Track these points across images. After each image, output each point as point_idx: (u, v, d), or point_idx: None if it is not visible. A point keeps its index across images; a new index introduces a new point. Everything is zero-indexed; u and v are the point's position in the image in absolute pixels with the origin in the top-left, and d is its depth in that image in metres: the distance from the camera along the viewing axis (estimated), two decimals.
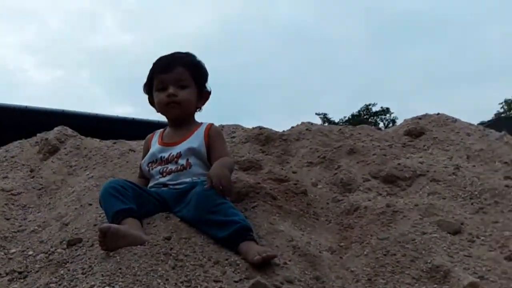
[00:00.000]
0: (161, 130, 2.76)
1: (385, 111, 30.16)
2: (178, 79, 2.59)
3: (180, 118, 2.66)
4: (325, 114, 29.50)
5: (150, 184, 2.57)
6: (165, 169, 2.53)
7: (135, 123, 12.81)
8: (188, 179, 2.46)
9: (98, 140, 3.66)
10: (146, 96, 2.76)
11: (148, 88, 2.72)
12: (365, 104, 30.81)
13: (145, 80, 2.74)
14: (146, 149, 2.72)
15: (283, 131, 3.74)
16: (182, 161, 2.51)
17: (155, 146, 2.64)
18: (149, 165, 2.60)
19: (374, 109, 30.58)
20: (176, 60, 2.65)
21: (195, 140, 2.57)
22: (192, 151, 2.53)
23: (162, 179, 2.51)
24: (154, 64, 2.68)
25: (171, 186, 2.48)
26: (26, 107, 12.25)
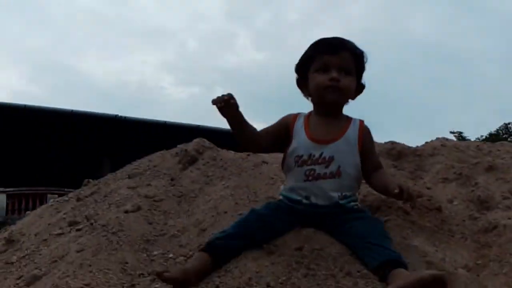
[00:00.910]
0: (305, 115, 2.50)
1: None
2: (343, 64, 2.37)
3: (335, 105, 2.44)
4: (460, 133, 28.30)
5: (290, 183, 2.40)
6: (312, 172, 2.31)
7: None
8: (335, 194, 2.30)
9: (233, 152, 3.79)
10: (296, 77, 2.55)
11: (303, 68, 2.49)
12: (504, 123, 29.25)
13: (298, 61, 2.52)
14: (284, 127, 2.47)
15: (417, 146, 3.67)
16: (333, 168, 2.30)
17: (302, 137, 2.39)
18: (296, 158, 2.35)
19: None
20: (343, 44, 2.43)
21: (349, 142, 2.37)
22: (345, 157, 2.34)
23: (306, 185, 2.32)
24: (318, 44, 2.46)
25: (312, 200, 2.31)
26: (165, 122, 12.91)
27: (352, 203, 2.36)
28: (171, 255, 2.49)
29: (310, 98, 2.52)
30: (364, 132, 2.43)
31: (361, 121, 2.46)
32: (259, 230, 2.25)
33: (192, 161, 3.56)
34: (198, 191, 3.20)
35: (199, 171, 3.44)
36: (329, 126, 2.41)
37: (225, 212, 2.74)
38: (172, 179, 3.37)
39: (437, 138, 3.75)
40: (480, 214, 2.71)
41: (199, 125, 12.75)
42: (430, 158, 3.41)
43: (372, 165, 2.43)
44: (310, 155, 2.32)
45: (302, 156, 2.33)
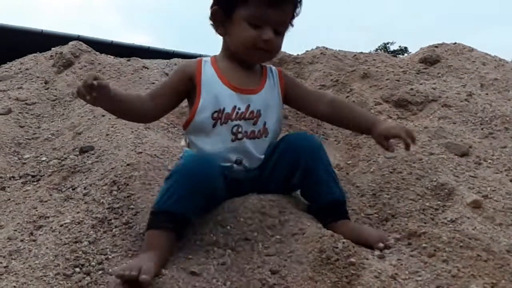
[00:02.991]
0: (208, 61, 1.90)
1: (403, 50, 29.71)
2: (281, 21, 1.82)
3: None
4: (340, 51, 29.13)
5: (209, 147, 1.80)
6: (239, 129, 1.80)
7: (151, 52, 12.77)
8: (262, 156, 1.85)
9: (112, 57, 3.66)
10: (213, 7, 1.85)
11: (228, 2, 1.81)
12: (383, 43, 30.42)
13: None
14: (186, 80, 1.84)
15: (297, 54, 3.72)
16: (260, 125, 1.83)
17: (219, 86, 1.82)
18: (216, 114, 1.79)
19: (392, 48, 30.18)
20: None
21: (272, 92, 1.90)
22: (271, 111, 1.87)
23: (235, 146, 1.80)
24: None
25: (245, 164, 1.82)
26: (42, 31, 12.21)
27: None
28: (44, 158, 2.40)
29: (224, 38, 1.91)
30: (285, 79, 1.96)
31: (280, 69, 2.00)
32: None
33: (68, 64, 3.41)
34: (74, 95, 3.08)
35: (75, 75, 3.31)
36: (247, 73, 1.89)
37: (103, 116, 2.67)
38: (46, 82, 3.22)
39: (317, 47, 3.83)
40: None
41: (79, 35, 12.16)
42: (309, 66, 3.48)
43: (313, 97, 1.96)
44: (234, 108, 1.80)
45: (223, 109, 1.79)
